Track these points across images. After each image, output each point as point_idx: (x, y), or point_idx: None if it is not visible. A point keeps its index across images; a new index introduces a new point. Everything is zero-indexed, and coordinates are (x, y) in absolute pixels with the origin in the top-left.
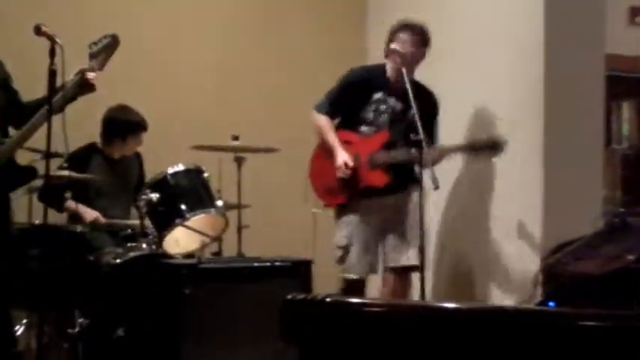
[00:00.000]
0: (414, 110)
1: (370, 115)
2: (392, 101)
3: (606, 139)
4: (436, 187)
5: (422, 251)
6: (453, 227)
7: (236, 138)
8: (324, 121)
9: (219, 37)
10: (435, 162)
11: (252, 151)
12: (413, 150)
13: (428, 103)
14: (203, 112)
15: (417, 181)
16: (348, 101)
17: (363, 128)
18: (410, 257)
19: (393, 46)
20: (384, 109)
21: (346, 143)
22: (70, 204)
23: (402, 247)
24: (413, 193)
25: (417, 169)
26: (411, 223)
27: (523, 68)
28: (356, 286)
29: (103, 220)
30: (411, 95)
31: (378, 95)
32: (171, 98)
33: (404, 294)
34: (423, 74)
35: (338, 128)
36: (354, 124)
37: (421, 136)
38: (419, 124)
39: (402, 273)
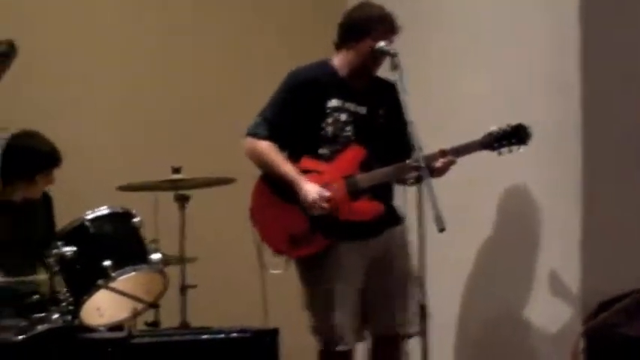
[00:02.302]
0: (410, 126)
1: (329, 131)
2: (352, 107)
3: None
4: (441, 230)
5: (424, 314)
6: (464, 279)
7: (177, 170)
8: (267, 147)
9: (149, 44)
10: (443, 171)
11: (199, 185)
12: (408, 162)
13: (395, 98)
14: (132, 139)
15: (400, 218)
16: (294, 116)
17: (323, 150)
18: (405, 321)
19: (382, 44)
20: (346, 119)
21: (306, 173)
22: None
23: (394, 307)
24: (402, 235)
25: (398, 201)
26: (400, 274)
27: (557, 79)
28: None
29: None
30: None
31: (333, 102)
32: (88, 123)
33: None
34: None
35: (287, 155)
36: (308, 146)
37: (420, 158)
38: (417, 144)
39: (397, 342)
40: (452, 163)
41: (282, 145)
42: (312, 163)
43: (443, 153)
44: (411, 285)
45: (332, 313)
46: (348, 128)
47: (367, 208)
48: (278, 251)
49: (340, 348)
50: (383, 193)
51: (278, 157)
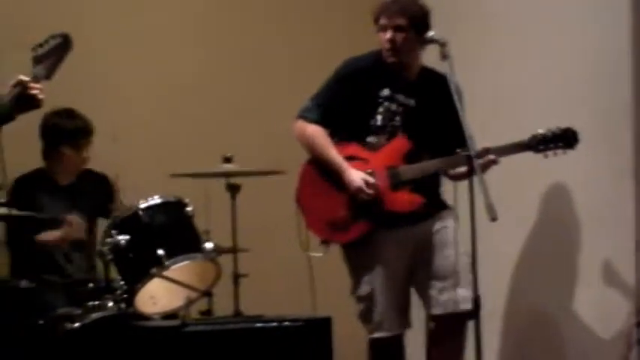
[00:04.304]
0: (461, 113)
1: (379, 120)
2: (402, 98)
3: None
4: (493, 219)
5: (478, 305)
6: (513, 267)
7: (228, 160)
8: (316, 132)
9: (201, 32)
10: (485, 169)
11: (250, 174)
12: (458, 151)
13: (446, 91)
14: (184, 129)
15: (446, 206)
16: (346, 103)
17: (371, 139)
18: (460, 299)
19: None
20: (396, 110)
21: (351, 160)
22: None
23: (447, 287)
24: (446, 218)
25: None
26: (450, 256)
27: (605, 64)
28: (390, 348)
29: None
30: (455, 98)
31: (385, 92)
32: (141, 112)
33: (460, 351)
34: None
35: (334, 141)
36: (357, 134)
37: (472, 148)
38: (467, 132)
39: (456, 322)
40: (494, 162)
41: (332, 130)
42: (358, 150)
43: (486, 151)
44: (462, 264)
45: (374, 301)
46: (397, 119)
47: (406, 200)
48: (318, 234)
49: (383, 334)
50: (428, 185)
51: (326, 142)
